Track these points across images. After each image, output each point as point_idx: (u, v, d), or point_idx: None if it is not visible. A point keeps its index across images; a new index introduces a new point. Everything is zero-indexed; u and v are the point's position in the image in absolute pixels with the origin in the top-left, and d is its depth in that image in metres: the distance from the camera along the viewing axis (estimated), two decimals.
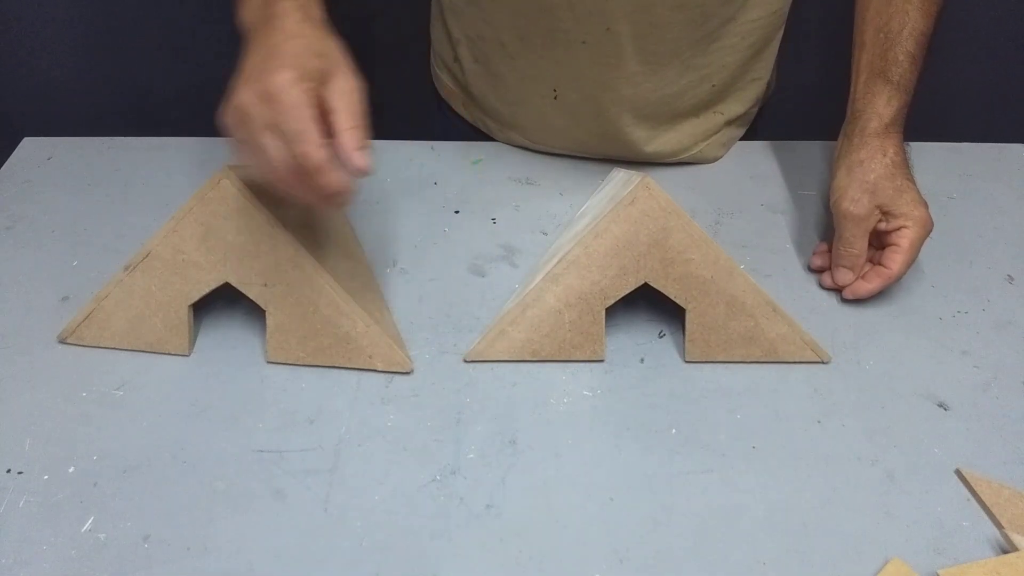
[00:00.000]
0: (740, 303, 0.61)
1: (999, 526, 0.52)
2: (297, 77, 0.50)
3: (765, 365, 0.62)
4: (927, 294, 0.69)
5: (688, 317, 0.61)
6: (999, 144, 0.86)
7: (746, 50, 0.76)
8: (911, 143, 0.85)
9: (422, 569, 0.50)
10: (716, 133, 0.81)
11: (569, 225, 0.72)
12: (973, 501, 0.54)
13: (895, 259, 0.65)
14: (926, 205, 0.66)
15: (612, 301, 0.61)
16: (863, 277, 0.67)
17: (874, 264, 0.67)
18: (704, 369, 0.62)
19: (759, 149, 0.84)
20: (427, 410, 0.59)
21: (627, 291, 0.61)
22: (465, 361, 0.62)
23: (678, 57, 0.73)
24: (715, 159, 0.83)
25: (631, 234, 0.60)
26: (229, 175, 0.60)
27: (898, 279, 0.66)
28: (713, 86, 0.77)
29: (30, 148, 0.84)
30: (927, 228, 0.66)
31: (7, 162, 0.82)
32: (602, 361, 0.63)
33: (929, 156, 0.84)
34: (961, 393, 0.61)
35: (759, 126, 0.88)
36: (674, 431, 0.58)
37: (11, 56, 1.05)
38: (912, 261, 0.66)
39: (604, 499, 0.54)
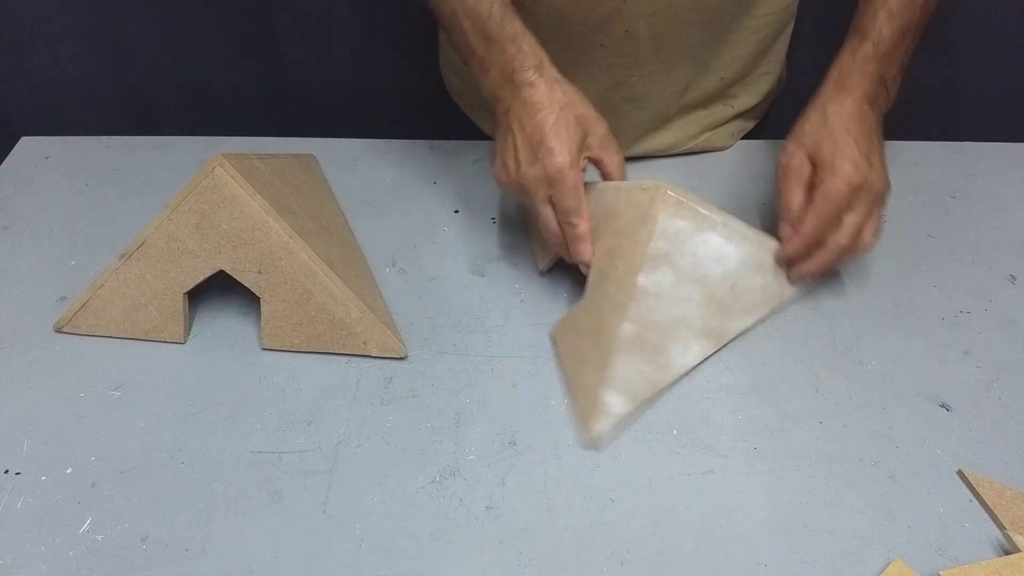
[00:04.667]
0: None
1: (1001, 527, 0.52)
2: (571, 161, 0.59)
3: (766, 365, 0.62)
4: (929, 294, 0.68)
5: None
6: (1002, 143, 0.85)
7: (756, 44, 0.76)
8: (914, 142, 0.85)
9: (421, 571, 0.50)
10: (725, 123, 0.81)
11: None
12: (975, 502, 0.54)
13: (808, 217, 0.60)
14: (869, 164, 0.60)
15: None
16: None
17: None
18: (705, 370, 0.62)
19: (762, 148, 0.84)
20: (426, 411, 0.59)
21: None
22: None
23: (691, 54, 0.74)
24: (724, 148, 0.83)
25: None
26: (223, 163, 0.60)
27: (817, 242, 0.61)
28: (722, 79, 0.78)
29: (28, 147, 0.83)
30: (851, 184, 0.59)
31: (4, 162, 0.82)
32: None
33: (931, 155, 0.83)
34: (963, 394, 0.60)
35: (767, 123, 0.88)
36: (675, 432, 0.58)
37: (9, 55, 1.05)
38: (827, 216, 0.60)
39: (604, 500, 0.54)
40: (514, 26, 0.63)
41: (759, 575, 0.50)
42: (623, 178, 0.64)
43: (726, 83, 0.78)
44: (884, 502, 0.53)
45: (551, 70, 0.62)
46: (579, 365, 0.60)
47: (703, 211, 0.61)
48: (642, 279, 0.59)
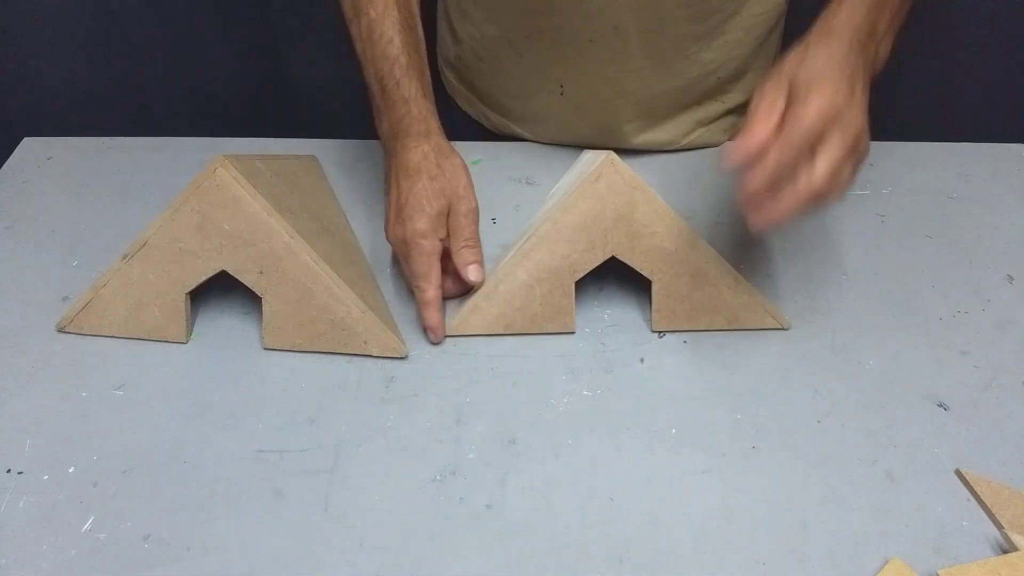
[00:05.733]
0: (704, 273, 0.63)
1: (999, 526, 0.52)
2: (428, 228, 0.62)
3: (766, 364, 0.62)
4: (927, 294, 0.69)
5: (654, 288, 0.63)
6: (999, 144, 0.86)
7: (749, 43, 0.77)
8: (913, 142, 0.85)
9: (422, 569, 0.50)
10: (717, 120, 0.82)
11: (542, 206, 0.73)
12: (973, 501, 0.54)
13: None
14: (848, 96, 0.51)
15: (581, 274, 0.63)
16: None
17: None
18: (704, 370, 0.62)
19: None
20: (427, 410, 0.59)
21: (595, 264, 0.63)
22: (447, 336, 0.64)
23: (684, 52, 0.74)
24: (717, 144, 0.83)
25: (598, 209, 0.62)
26: (224, 164, 0.60)
27: (781, 180, 0.50)
28: (719, 79, 0.78)
29: (30, 148, 0.84)
30: (823, 113, 0.50)
31: (7, 162, 0.82)
32: (573, 333, 0.64)
33: (929, 156, 0.84)
34: (961, 393, 0.61)
35: None
36: (674, 431, 0.58)
37: (11, 56, 1.05)
38: (796, 146, 0.49)
39: (604, 499, 0.54)
40: (410, 88, 0.66)
41: (758, 574, 0.50)
42: (466, 272, 0.63)
43: (722, 82, 0.79)
44: (882, 501, 0.54)
45: (437, 138, 0.65)
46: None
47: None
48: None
